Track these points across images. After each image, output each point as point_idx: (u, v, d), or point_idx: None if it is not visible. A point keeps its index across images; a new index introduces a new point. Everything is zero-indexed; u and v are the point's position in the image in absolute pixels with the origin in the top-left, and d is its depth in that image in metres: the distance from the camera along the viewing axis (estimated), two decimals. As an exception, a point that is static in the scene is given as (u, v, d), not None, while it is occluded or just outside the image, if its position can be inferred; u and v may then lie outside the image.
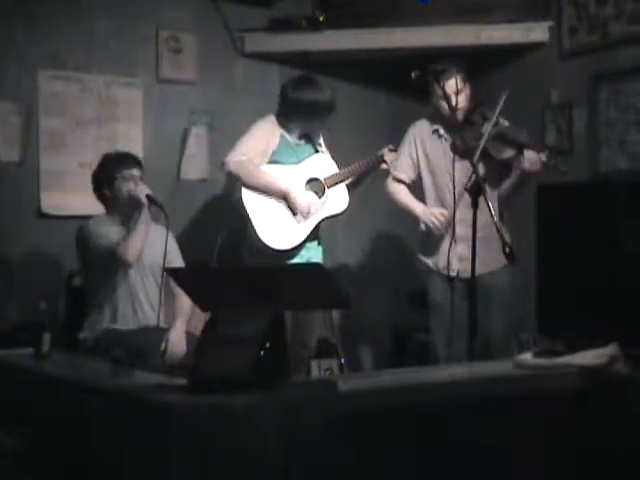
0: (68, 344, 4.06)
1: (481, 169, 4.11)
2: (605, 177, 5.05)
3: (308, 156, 4.60)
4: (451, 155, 4.34)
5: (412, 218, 4.57)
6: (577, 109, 5.26)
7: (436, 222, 4.39)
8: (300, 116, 4.52)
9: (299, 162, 4.55)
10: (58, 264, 4.71)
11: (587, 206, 3.10)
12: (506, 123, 4.33)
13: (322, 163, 4.62)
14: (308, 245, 4.54)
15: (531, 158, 4.16)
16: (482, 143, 3.99)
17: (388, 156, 4.61)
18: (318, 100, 4.49)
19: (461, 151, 4.28)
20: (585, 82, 5.21)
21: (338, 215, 4.64)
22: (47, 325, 3.38)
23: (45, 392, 3.02)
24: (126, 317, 4.18)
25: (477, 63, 5.14)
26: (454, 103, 4.27)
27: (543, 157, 4.15)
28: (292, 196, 4.44)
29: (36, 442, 2.99)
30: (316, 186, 4.55)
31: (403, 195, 4.58)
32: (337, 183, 4.59)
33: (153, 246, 4.19)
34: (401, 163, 4.57)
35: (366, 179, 4.74)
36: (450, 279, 4.39)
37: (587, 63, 5.21)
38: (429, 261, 4.52)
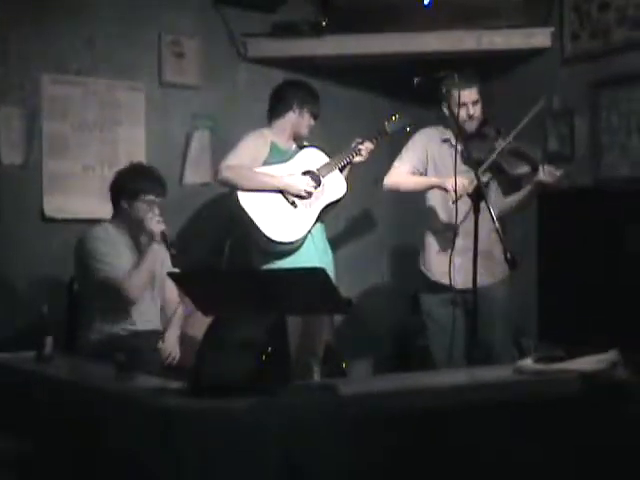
0: (70, 347, 4.06)
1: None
2: (606, 183, 5.05)
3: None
4: (460, 164, 4.21)
5: (413, 224, 4.58)
6: (579, 115, 5.26)
7: (450, 187, 4.22)
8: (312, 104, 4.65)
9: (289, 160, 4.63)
10: (60, 267, 4.70)
11: (588, 212, 3.11)
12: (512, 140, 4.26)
13: (313, 156, 4.68)
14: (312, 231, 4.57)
15: (549, 171, 4.12)
16: (493, 156, 4.00)
17: (363, 147, 4.67)
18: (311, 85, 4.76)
19: (470, 162, 4.21)
20: (587, 88, 5.21)
21: (339, 200, 4.67)
22: (49, 328, 3.39)
23: (48, 395, 3.03)
24: (123, 322, 4.16)
25: (478, 68, 5.15)
26: (471, 112, 4.32)
27: (558, 172, 4.11)
28: (289, 182, 4.48)
29: (38, 445, 3.00)
30: (311, 177, 4.60)
31: (407, 177, 4.52)
32: (331, 171, 4.64)
33: None
34: (408, 157, 4.53)
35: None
36: (450, 291, 4.29)
37: (589, 69, 5.21)
38: (428, 273, 4.52)
